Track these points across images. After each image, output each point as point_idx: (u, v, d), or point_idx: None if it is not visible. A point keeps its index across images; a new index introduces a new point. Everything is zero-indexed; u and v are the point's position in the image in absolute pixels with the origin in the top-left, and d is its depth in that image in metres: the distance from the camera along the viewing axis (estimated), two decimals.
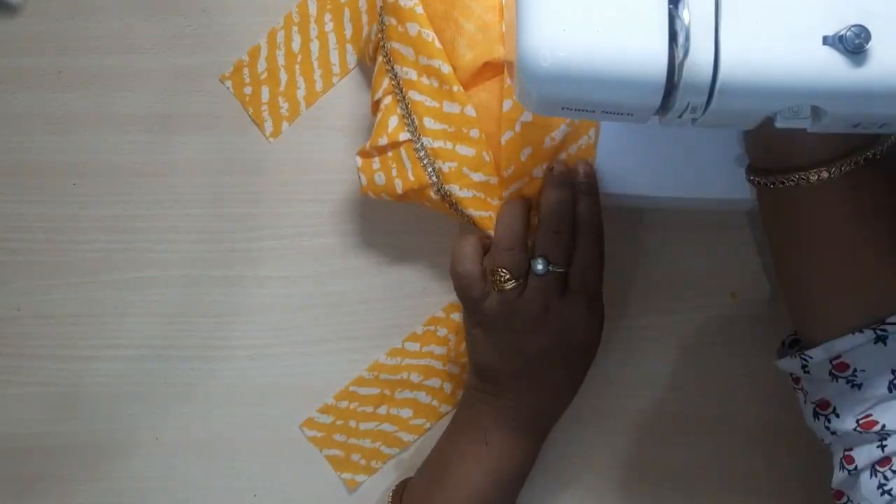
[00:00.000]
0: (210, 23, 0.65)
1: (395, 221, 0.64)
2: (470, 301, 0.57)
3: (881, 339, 0.47)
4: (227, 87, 0.64)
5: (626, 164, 0.58)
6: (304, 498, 0.65)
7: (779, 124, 0.38)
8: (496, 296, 0.55)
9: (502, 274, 0.55)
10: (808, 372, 0.52)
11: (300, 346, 0.65)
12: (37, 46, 0.65)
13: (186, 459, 0.65)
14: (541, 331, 0.55)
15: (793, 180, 0.47)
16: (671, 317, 0.63)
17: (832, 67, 0.36)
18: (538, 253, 0.55)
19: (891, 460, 0.47)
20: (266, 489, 0.65)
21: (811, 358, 0.51)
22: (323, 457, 0.65)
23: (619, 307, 0.63)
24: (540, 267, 0.54)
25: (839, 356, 0.49)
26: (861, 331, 0.48)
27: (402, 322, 0.64)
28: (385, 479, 0.65)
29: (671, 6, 0.36)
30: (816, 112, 0.37)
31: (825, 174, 0.46)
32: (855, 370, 0.49)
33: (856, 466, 0.49)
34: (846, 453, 0.50)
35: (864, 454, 0.48)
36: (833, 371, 0.50)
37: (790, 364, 0.53)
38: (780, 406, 0.61)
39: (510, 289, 0.55)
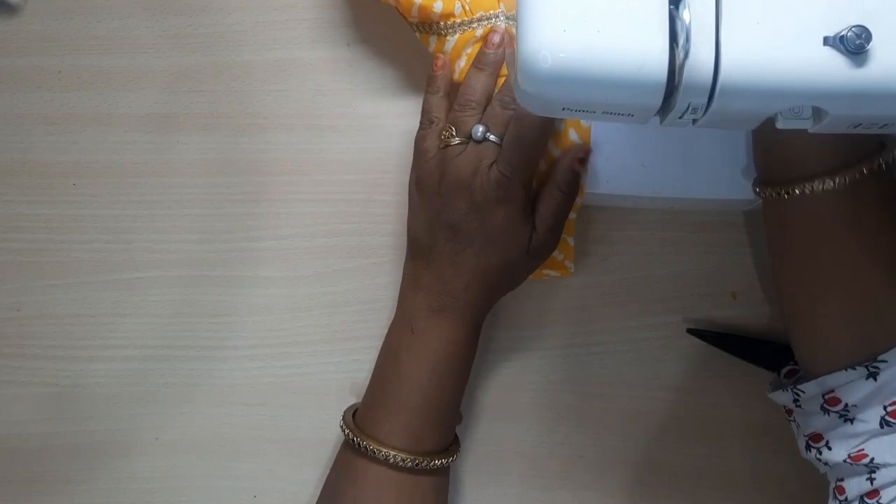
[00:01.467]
0: (210, 23, 0.64)
1: (394, 221, 0.64)
2: (420, 151, 0.57)
3: (873, 374, 0.48)
4: None
5: (626, 164, 0.58)
6: (303, 498, 0.65)
7: (780, 125, 0.38)
8: (438, 154, 0.56)
9: (449, 129, 0.56)
10: (800, 406, 0.52)
11: (300, 346, 0.65)
12: (37, 46, 0.65)
13: (186, 459, 0.65)
14: (463, 198, 0.55)
15: (797, 189, 0.48)
16: (671, 317, 0.63)
17: (833, 68, 0.36)
18: (482, 120, 0.56)
19: (879, 493, 0.48)
20: (266, 489, 0.65)
21: (804, 392, 0.51)
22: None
23: (620, 307, 0.63)
24: (479, 133, 0.55)
25: (832, 391, 0.49)
26: (854, 367, 0.48)
27: None
28: None
29: (672, 7, 0.36)
30: (817, 113, 0.37)
31: (829, 183, 0.47)
32: (846, 405, 0.49)
33: (846, 497, 0.49)
34: (838, 483, 0.50)
35: (855, 486, 0.49)
36: (825, 405, 0.50)
37: (782, 397, 0.54)
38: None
39: (452, 146, 0.55)
